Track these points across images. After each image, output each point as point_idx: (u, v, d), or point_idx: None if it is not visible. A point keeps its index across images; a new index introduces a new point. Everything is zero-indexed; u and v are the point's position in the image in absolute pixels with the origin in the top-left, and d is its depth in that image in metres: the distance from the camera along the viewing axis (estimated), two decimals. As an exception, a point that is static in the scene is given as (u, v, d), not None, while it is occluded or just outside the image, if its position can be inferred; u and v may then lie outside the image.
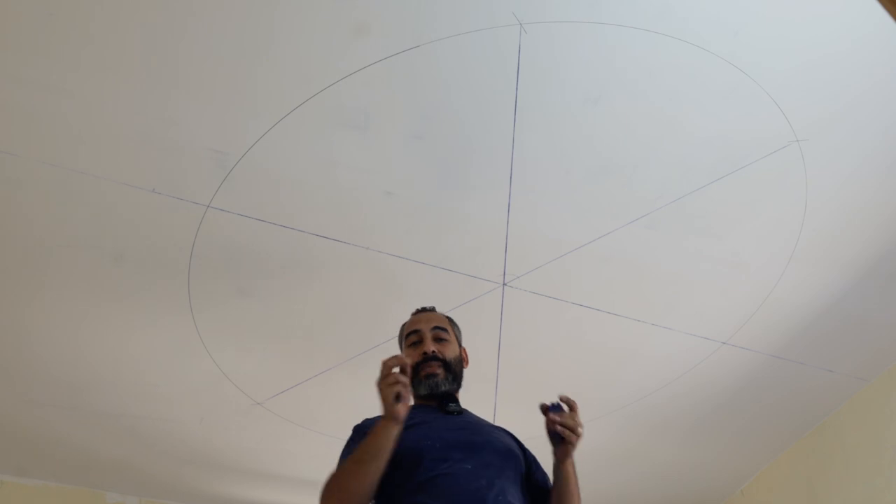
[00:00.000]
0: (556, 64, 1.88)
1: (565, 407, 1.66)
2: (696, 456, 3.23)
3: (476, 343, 2.41)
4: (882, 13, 0.96)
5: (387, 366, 1.60)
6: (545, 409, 1.71)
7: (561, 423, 1.66)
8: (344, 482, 1.50)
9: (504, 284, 2.34)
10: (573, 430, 1.65)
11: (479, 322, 2.42)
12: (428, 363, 1.74)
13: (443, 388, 1.73)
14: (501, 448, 1.64)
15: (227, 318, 2.33)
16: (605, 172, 2.13)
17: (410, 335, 1.81)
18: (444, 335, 1.81)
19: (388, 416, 1.54)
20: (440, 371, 1.74)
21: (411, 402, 1.63)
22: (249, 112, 1.87)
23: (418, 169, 2.05)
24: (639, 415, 2.90)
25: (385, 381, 1.58)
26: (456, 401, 1.75)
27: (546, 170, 2.10)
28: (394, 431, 1.53)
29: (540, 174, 2.11)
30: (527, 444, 1.78)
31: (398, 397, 1.59)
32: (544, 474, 1.73)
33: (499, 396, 2.60)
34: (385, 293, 2.36)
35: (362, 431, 1.59)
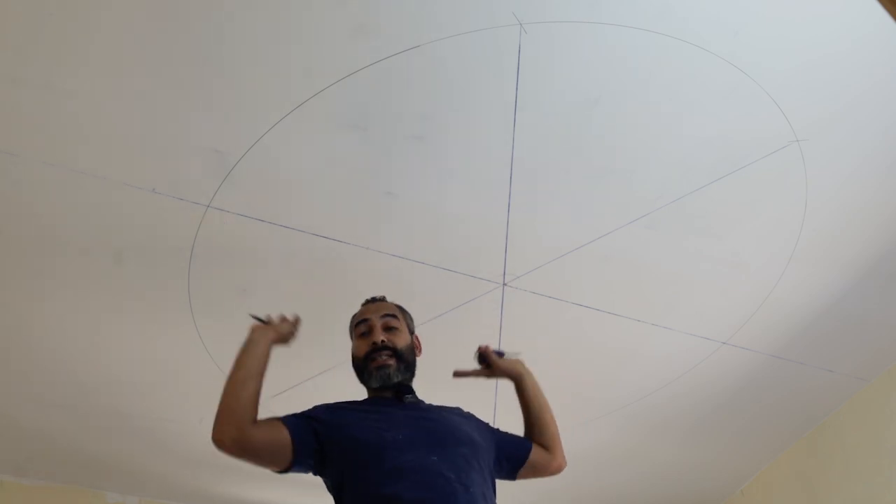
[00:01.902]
0: (556, 64, 1.88)
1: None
2: (696, 456, 3.23)
3: (476, 343, 2.41)
4: (882, 13, 0.96)
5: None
6: (480, 358, 1.90)
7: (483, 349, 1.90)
8: (224, 396, 1.56)
9: (504, 284, 2.34)
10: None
11: (479, 322, 2.42)
12: (378, 353, 1.70)
13: (395, 380, 1.69)
14: (464, 438, 1.63)
15: (227, 317, 2.33)
16: (605, 172, 2.13)
17: (359, 325, 1.77)
18: (393, 323, 1.77)
19: (256, 328, 1.69)
20: (391, 361, 1.70)
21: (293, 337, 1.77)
22: (249, 112, 1.87)
23: (418, 169, 2.05)
24: (639, 415, 2.90)
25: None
26: (412, 391, 1.72)
27: (546, 170, 2.10)
28: (262, 337, 1.67)
29: (540, 174, 2.11)
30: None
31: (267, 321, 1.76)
32: (518, 435, 1.81)
33: (499, 397, 2.60)
34: (385, 293, 2.35)
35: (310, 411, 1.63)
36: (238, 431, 1.51)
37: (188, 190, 1.99)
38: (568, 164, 2.10)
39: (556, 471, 1.83)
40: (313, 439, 1.56)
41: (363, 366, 1.72)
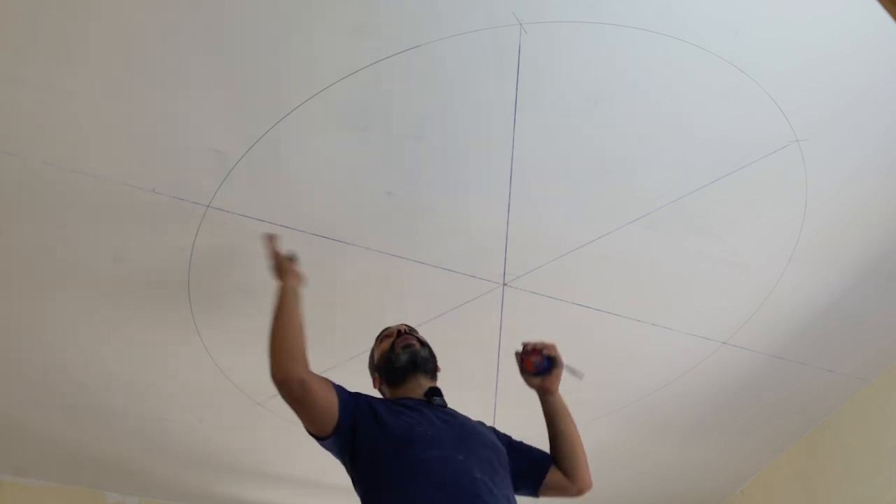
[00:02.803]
0: (556, 64, 1.88)
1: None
2: (696, 456, 3.23)
3: (476, 343, 2.42)
4: (882, 13, 0.96)
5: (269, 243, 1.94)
6: (521, 354, 1.89)
7: (539, 347, 1.85)
8: (271, 341, 1.62)
9: (504, 284, 2.34)
10: (549, 347, 1.86)
11: (479, 322, 2.42)
12: (402, 337, 1.80)
13: (422, 354, 1.77)
14: (489, 442, 1.67)
15: (227, 317, 2.33)
16: (605, 172, 2.13)
17: (381, 334, 1.89)
18: (413, 329, 1.89)
19: (285, 272, 1.81)
20: (415, 342, 1.79)
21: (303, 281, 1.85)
22: (249, 112, 1.87)
23: (418, 169, 2.05)
24: (639, 415, 2.90)
25: (273, 255, 1.91)
26: (440, 394, 1.76)
27: (546, 170, 2.10)
28: (292, 284, 1.77)
29: (540, 174, 2.11)
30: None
31: (290, 259, 1.90)
32: (536, 449, 1.81)
33: (499, 397, 2.60)
34: (385, 293, 2.36)
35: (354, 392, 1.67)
36: (304, 372, 1.57)
37: (188, 190, 1.99)
38: (568, 164, 2.10)
39: (577, 495, 1.81)
40: (352, 416, 1.61)
41: (389, 355, 1.79)
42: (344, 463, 1.64)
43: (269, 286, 2.26)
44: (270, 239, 1.97)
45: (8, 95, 1.76)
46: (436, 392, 1.75)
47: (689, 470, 3.32)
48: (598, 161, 2.10)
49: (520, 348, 1.89)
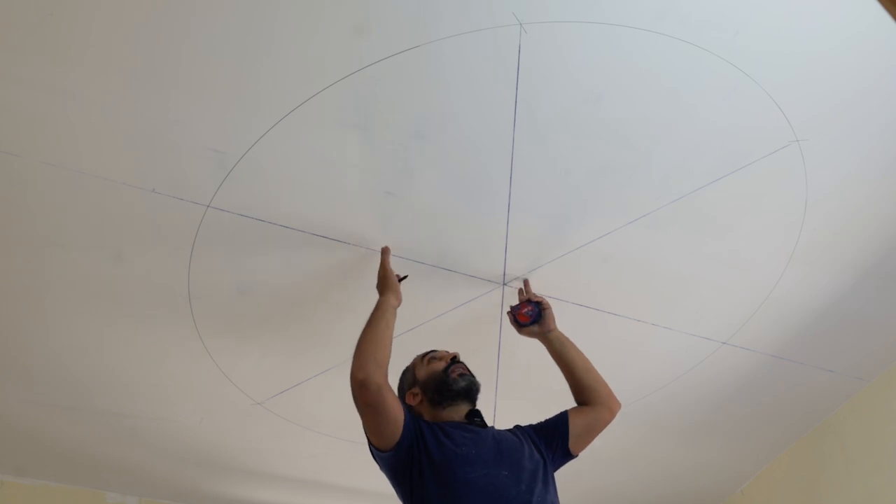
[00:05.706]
0: (556, 64, 1.88)
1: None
2: (697, 455, 3.24)
3: (476, 343, 2.42)
4: (882, 13, 0.96)
5: (386, 253, 2.07)
6: (513, 313, 2.11)
7: (528, 298, 2.10)
8: (361, 344, 1.72)
9: (504, 284, 2.34)
10: (532, 294, 2.11)
11: (479, 322, 2.42)
12: (457, 364, 1.87)
13: (478, 385, 1.87)
14: (527, 454, 1.74)
15: (228, 318, 2.34)
16: (605, 172, 2.13)
17: (427, 355, 1.93)
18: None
19: (391, 289, 1.92)
20: (468, 371, 1.88)
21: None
22: (250, 112, 1.87)
23: (418, 169, 2.05)
24: (639, 414, 2.90)
25: (384, 268, 2.01)
26: (480, 416, 1.84)
27: (546, 170, 2.10)
28: (394, 303, 1.88)
29: (540, 174, 2.11)
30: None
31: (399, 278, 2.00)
32: (551, 419, 1.91)
33: (499, 396, 2.60)
34: (385, 293, 2.35)
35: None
36: (384, 380, 1.65)
37: (188, 190, 1.99)
38: (568, 164, 2.10)
39: (611, 418, 1.96)
40: (410, 437, 1.66)
41: (444, 377, 1.85)
42: (394, 480, 1.69)
43: (269, 286, 2.27)
44: (386, 252, 2.09)
45: (8, 95, 1.76)
46: (476, 414, 1.83)
47: (690, 469, 3.33)
48: (598, 161, 2.10)
49: (508, 308, 2.08)
